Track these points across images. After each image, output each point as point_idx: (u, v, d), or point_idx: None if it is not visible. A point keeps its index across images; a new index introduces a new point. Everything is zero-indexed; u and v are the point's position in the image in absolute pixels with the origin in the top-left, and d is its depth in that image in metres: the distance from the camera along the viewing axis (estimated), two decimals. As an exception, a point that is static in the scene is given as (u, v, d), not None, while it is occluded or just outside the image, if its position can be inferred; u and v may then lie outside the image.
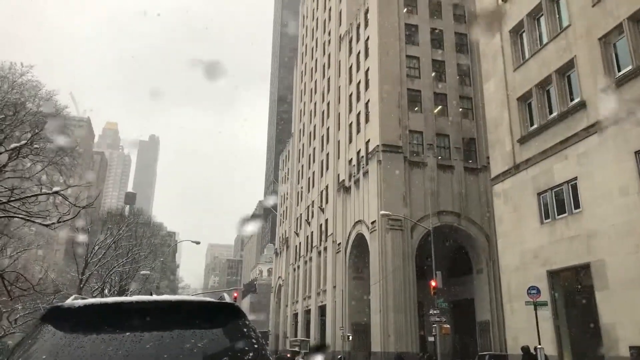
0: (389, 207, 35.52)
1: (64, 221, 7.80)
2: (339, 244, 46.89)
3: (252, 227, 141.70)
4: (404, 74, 42.01)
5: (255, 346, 3.42)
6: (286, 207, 75.58)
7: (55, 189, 6.70)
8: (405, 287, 35.81)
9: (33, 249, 36.21)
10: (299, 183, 68.26)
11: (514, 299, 22.35)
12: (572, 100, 20.87)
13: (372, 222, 38.68)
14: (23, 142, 7.65)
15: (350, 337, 40.22)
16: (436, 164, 39.98)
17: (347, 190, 46.59)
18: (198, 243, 42.58)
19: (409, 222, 36.61)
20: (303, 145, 68.22)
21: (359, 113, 46.45)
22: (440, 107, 42.67)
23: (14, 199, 6.48)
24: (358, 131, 46.18)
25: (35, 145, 7.97)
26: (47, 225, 7.87)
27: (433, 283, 26.24)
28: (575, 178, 19.89)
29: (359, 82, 47.12)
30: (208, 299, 3.94)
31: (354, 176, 45.00)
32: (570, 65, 20.92)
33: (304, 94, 70.96)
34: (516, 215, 23.36)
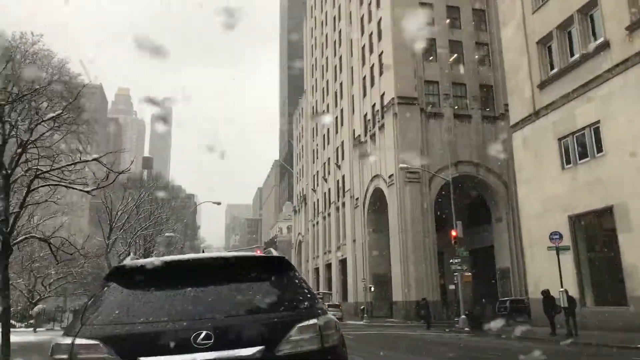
0: (406, 160, 35.40)
1: (103, 187, 7.97)
2: (357, 199, 47.17)
3: (270, 186, 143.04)
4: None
5: (309, 296, 3.56)
6: (302, 165, 75.79)
7: (94, 156, 6.84)
8: (425, 238, 36.16)
9: (59, 215, 37.09)
10: (314, 140, 68.10)
11: (534, 245, 22.44)
12: (594, 41, 20.16)
13: (390, 176, 38.69)
14: (58, 111, 7.72)
15: (372, 288, 41.09)
16: (453, 114, 39.42)
17: (363, 145, 46.39)
18: (219, 204, 43.17)
19: (427, 174, 36.53)
20: (316, 101, 67.59)
21: (372, 66, 45.61)
22: (455, 55, 41.64)
23: (54, 167, 6.64)
24: (372, 84, 45.49)
25: (67, 115, 8.06)
26: (87, 192, 8.08)
27: (453, 233, 26.41)
28: (598, 121, 19.48)
29: (372, 33, 46.00)
30: (257, 254, 4.08)
31: (370, 131, 44.69)
32: (593, 3, 20.09)
33: (315, 48, 69.67)
34: (537, 162, 23.11)
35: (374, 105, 44.88)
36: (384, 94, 42.07)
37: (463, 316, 24.96)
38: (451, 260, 27.49)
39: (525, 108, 24.00)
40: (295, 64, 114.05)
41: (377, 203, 42.71)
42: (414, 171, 36.09)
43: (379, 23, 43.98)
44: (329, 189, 58.54)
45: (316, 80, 68.03)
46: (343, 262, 52.47)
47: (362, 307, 40.25)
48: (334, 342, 3.36)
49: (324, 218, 60.26)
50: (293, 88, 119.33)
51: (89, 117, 23.78)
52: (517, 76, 24.90)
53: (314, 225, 65.59)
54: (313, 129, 68.68)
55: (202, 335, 3.01)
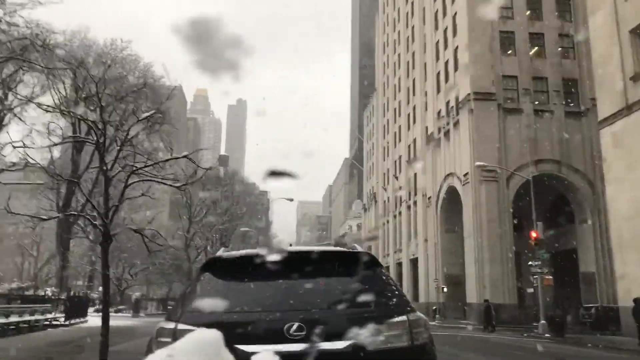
0: (483, 157, 34.23)
1: (193, 182, 8.45)
2: (429, 197, 46.28)
3: (340, 184, 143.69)
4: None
5: (396, 292, 3.58)
6: (372, 163, 75.44)
7: (184, 153, 7.30)
8: (502, 238, 34.81)
9: (143, 210, 39.39)
10: (384, 138, 67.58)
11: (626, 249, 20.93)
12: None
13: (465, 174, 37.60)
14: (152, 111, 8.29)
15: (445, 289, 40.19)
16: (533, 109, 37.58)
17: (436, 142, 45.42)
18: (291, 200, 44.11)
19: (505, 172, 35.13)
20: (388, 99, 66.98)
21: (446, 61, 44.49)
22: (536, 48, 39.65)
23: (148, 164, 7.17)
24: (447, 80, 44.39)
25: (159, 115, 8.62)
26: (178, 187, 8.63)
27: (533, 234, 25.24)
28: (701, 116, 17.82)
29: (446, 28, 44.87)
30: (344, 249, 4.16)
31: (444, 128, 43.65)
32: (695, -13, 18.40)
33: (387, 45, 69.05)
34: (629, 159, 21.52)
35: (448, 102, 43.79)
36: (459, 89, 40.91)
37: (543, 321, 23.80)
38: (530, 263, 26.27)
39: (615, 102, 22.42)
40: (366, 61, 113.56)
41: (451, 202, 41.66)
42: (491, 169, 34.82)
43: (454, 18, 42.79)
44: (400, 187, 57.84)
45: (388, 77, 67.41)
46: (414, 262, 51.71)
47: (435, 307, 39.49)
48: (424, 340, 3.34)
49: (395, 217, 59.66)
50: (364, 85, 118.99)
51: (171, 117, 25.11)
52: (607, 68, 23.30)
53: (384, 223, 65.13)
54: (384, 126, 68.15)
55: (294, 327, 3.10)
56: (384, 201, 65.53)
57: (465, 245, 37.43)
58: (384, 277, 3.77)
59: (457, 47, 41.83)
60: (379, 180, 69.39)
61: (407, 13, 58.19)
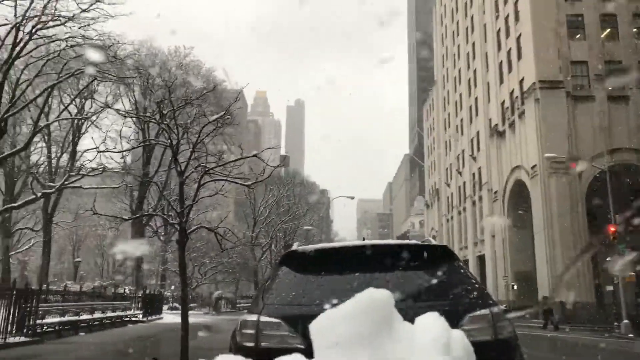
0: (551, 149, 32.68)
1: (261, 180, 8.70)
2: (495, 192, 44.80)
3: (400, 181, 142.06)
4: (562, -2, 37.38)
5: (476, 286, 3.51)
6: (434, 158, 73.99)
7: (254, 152, 7.56)
8: (575, 233, 33.09)
9: (210, 211, 40.73)
10: (446, 132, 66.11)
11: None
12: None
13: (533, 167, 36.06)
14: (221, 113, 8.62)
15: (514, 287, 38.77)
16: (606, 96, 35.41)
17: (501, 135, 43.88)
18: (352, 198, 44.12)
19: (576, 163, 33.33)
20: (448, 91, 65.47)
21: (509, 50, 42.84)
22: (608, 30, 37.33)
23: (219, 164, 7.50)
24: (510, 70, 42.75)
25: (227, 117, 8.95)
26: (247, 186, 8.93)
27: (612, 228, 23.78)
28: None
29: (507, 15, 43.21)
30: (419, 242, 4.12)
31: (508, 119, 42.08)
32: None
33: (445, 37, 67.47)
34: None
35: (512, 92, 42.15)
36: (523, 79, 39.29)
37: (626, 321, 22.39)
38: (609, 259, 24.79)
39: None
40: (424, 54, 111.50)
41: (519, 196, 40.09)
42: (561, 161, 33.18)
43: (515, 4, 41.11)
44: (464, 182, 56.39)
45: (447, 69, 65.87)
46: (481, 259, 50.23)
47: (504, 305, 38.18)
48: (508, 334, 3.25)
49: (459, 213, 58.21)
50: (423, 79, 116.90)
51: (234, 120, 25.84)
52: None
53: (448, 220, 63.72)
54: (445, 119, 66.66)
55: None
56: (448, 197, 64.11)
57: (535, 240, 35.91)
58: (463, 271, 3.69)
59: (520, 35, 40.17)
60: (441, 175, 67.98)
61: (466, 3, 56.57)
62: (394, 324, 1.27)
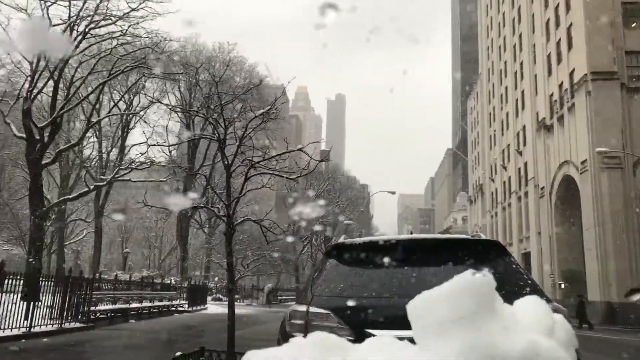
0: (603, 143, 31.35)
1: (306, 174, 8.79)
2: (542, 188, 43.41)
3: (443, 176, 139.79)
4: (616, -15, 35.68)
5: (529, 282, 3.44)
6: (478, 153, 72.38)
7: (299, 146, 7.65)
8: (629, 231, 31.68)
9: (252, 205, 41.40)
10: (490, 126, 64.49)
11: None
12: None
13: (583, 162, 34.71)
14: (268, 107, 8.77)
15: (562, 285, 37.54)
16: (665, 87, 33.65)
17: (549, 128, 42.44)
18: (393, 193, 43.78)
19: (631, 158, 31.92)
20: (493, 84, 63.79)
21: (558, 41, 41.29)
22: (667, 18, 35.38)
23: (265, 158, 7.64)
24: (559, 61, 41.21)
25: (273, 111, 9.09)
26: (293, 179, 9.06)
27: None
28: None
29: (557, 5, 41.62)
30: (469, 236, 4.07)
31: (557, 112, 40.62)
32: None
33: (491, 29, 65.68)
34: None
35: (561, 84, 40.65)
36: (573, 70, 37.80)
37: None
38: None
39: None
40: (468, 47, 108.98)
41: (567, 192, 38.71)
42: (614, 155, 31.80)
43: (566, -8, 39.56)
44: (509, 178, 54.92)
45: (492, 62, 64.18)
46: (526, 256, 48.84)
47: (551, 305, 37.08)
48: None
49: (504, 209, 56.77)
50: (467, 71, 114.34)
51: (279, 114, 26.06)
52: None
53: (492, 216, 62.26)
54: (490, 113, 65.02)
55: None
56: (492, 192, 62.63)
57: (584, 238, 34.61)
58: (515, 266, 3.62)
59: (570, 24, 38.63)
60: (485, 170, 66.45)
61: (513, -8, 54.86)
62: (495, 305, 1.25)
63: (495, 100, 61.92)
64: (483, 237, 4.16)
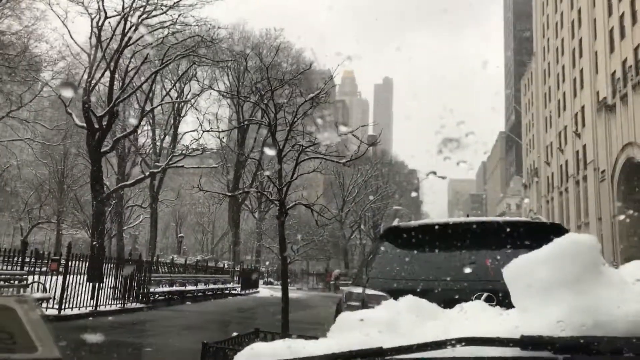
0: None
1: (356, 158, 8.75)
2: (603, 171, 41.30)
3: (495, 160, 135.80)
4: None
5: None
6: (532, 135, 69.67)
7: (348, 130, 7.61)
8: (700, 217, 29.72)
9: (300, 190, 41.68)
10: (546, 107, 61.85)
11: None
12: None
13: (648, 143, 32.74)
14: (317, 92, 8.78)
15: (624, 274, 35.80)
16: None
17: (610, 109, 40.19)
18: (444, 178, 42.60)
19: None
20: (549, 64, 60.97)
21: (622, 14, 38.84)
22: None
23: (315, 143, 7.66)
24: (622, 37, 38.82)
25: (323, 95, 9.09)
26: (343, 163, 9.06)
27: None
28: None
29: (621, -24, 39.10)
30: (529, 219, 3.91)
31: (620, 91, 38.37)
32: None
33: (547, 4, 62.60)
34: None
35: (624, 61, 38.32)
36: (638, 46, 35.55)
37: None
38: None
39: None
40: (522, 25, 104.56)
41: (630, 175, 36.67)
42: (684, 136, 29.79)
43: (631, -38, 37.06)
44: (566, 161, 52.60)
45: (548, 39, 61.25)
46: (585, 242, 46.85)
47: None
48: None
49: (560, 194, 54.53)
50: (520, 50, 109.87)
51: (328, 99, 26.03)
52: None
53: (547, 201, 59.99)
54: (545, 94, 62.31)
55: (483, 297, 3.00)
56: (547, 177, 60.27)
57: (650, 224, 32.78)
58: None
59: (636, -4, 36.24)
60: (540, 154, 63.95)
61: (571, -35, 51.97)
62: (600, 268, 1.17)
63: (551, 80, 59.22)
64: (544, 220, 4.00)
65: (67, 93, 20.95)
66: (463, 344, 0.97)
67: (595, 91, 44.19)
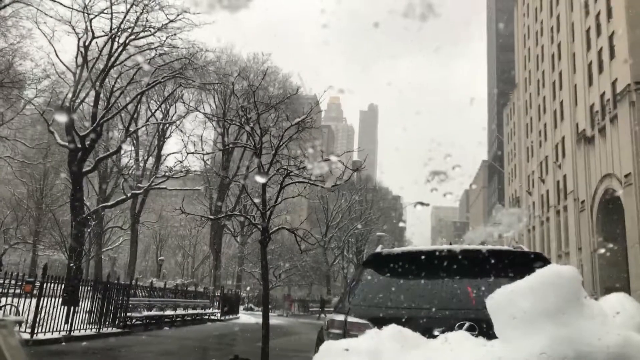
0: (649, 155, 30.13)
1: (340, 184, 8.73)
2: (582, 201, 41.95)
3: (478, 188, 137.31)
4: (662, -8, 34.48)
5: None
6: (515, 165, 70.78)
7: (333, 156, 7.63)
8: (677, 248, 30.20)
9: (284, 214, 41.49)
10: (528, 137, 63.04)
11: None
12: None
13: (627, 176, 33.39)
14: (303, 116, 8.81)
15: (604, 304, 36.05)
16: None
17: (589, 140, 41.09)
18: (427, 205, 42.92)
19: (679, 171, 30.51)
20: (530, 95, 62.43)
21: (600, 50, 40.10)
22: None
23: (300, 167, 7.63)
24: (600, 71, 39.99)
25: (308, 120, 9.13)
26: (328, 189, 9.03)
27: None
28: None
29: (599, 12, 40.50)
30: (511, 248, 3.90)
31: (598, 124, 39.32)
32: None
33: (527, 38, 64.47)
34: None
35: (602, 94, 39.39)
36: (616, 80, 36.59)
37: None
38: None
39: None
40: (505, 55, 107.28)
41: (609, 206, 37.29)
42: (660, 168, 30.47)
43: (608, 0, 38.47)
44: (547, 191, 53.40)
45: (530, 71, 62.87)
46: (565, 272, 47.27)
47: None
48: None
49: (542, 223, 55.17)
50: (503, 81, 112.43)
51: (314, 124, 26.14)
52: None
53: (529, 230, 60.60)
54: (527, 124, 63.59)
55: (465, 326, 2.96)
56: (529, 206, 61.00)
57: (629, 255, 33.18)
58: None
59: (612, 33, 37.49)
60: (522, 183, 64.88)
61: (551, 1, 53.75)
62: (581, 300, 1.14)
63: (533, 111, 60.54)
64: (525, 249, 4.00)
65: (60, 118, 20.63)
66: None
67: (575, 123, 45.23)
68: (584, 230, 41.52)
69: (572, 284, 1.16)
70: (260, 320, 10.25)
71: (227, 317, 25.99)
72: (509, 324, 1.16)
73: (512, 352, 1.07)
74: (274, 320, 28.71)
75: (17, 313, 11.64)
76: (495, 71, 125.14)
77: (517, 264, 3.52)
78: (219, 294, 27.60)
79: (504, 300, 1.21)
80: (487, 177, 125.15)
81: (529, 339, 1.09)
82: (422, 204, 47.75)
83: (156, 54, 25.47)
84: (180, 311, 20.54)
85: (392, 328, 1.40)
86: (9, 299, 11.82)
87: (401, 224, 71.29)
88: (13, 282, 12.30)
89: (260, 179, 7.82)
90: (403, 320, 3.18)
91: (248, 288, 46.88)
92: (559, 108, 50.37)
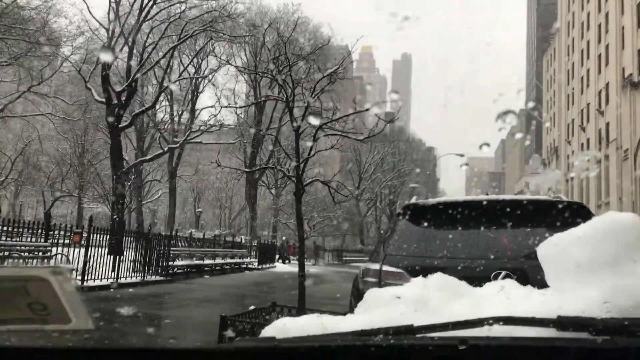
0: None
1: (374, 134, 8.67)
2: (626, 150, 40.44)
3: (515, 137, 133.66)
4: None
5: None
6: (554, 113, 68.35)
7: (367, 106, 7.55)
8: None
9: (317, 167, 41.62)
10: (569, 84, 60.40)
11: None
12: None
13: (675, 121, 31.87)
14: (336, 67, 8.70)
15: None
16: None
17: (636, 86, 39.09)
18: (462, 155, 42.36)
19: None
20: (573, 39, 59.29)
21: (652, -13, 37.40)
22: None
23: (333, 119, 7.59)
24: (652, 10, 37.46)
25: (341, 71, 8.97)
26: (361, 140, 9.03)
27: None
28: None
29: (653, -54, 37.52)
30: (551, 198, 3.84)
31: (647, 67, 37.25)
32: None
33: (573, -23, 60.58)
34: None
35: (653, 36, 37.07)
36: (669, 20, 34.29)
37: None
38: None
39: None
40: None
41: (655, 154, 35.84)
42: None
43: None
44: (588, 140, 51.59)
45: (573, 13, 59.44)
46: (605, 222, 46.24)
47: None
48: None
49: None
50: (543, 25, 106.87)
51: (346, 75, 25.74)
52: None
53: (567, 180, 59.10)
54: (568, 70, 60.78)
55: (501, 275, 2.96)
56: (568, 155, 59.26)
57: (673, 204, 32.15)
58: None
59: (668, -31, 34.81)
60: (561, 132, 62.78)
61: None
62: None
63: (575, 56, 57.68)
64: (564, 199, 3.92)
65: (106, 57, 20.65)
66: (501, 323, 0.94)
67: (621, 67, 42.96)
68: (626, 179, 40.23)
69: (633, 231, 1.13)
70: (295, 270, 10.58)
71: (263, 266, 26.80)
72: (563, 273, 1.16)
73: (570, 301, 1.07)
74: (309, 269, 29.48)
75: (68, 261, 12.34)
76: (536, 14, 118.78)
77: (556, 213, 3.46)
78: (255, 244, 28.37)
79: (557, 248, 1.20)
80: (524, 127, 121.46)
81: (587, 289, 1.08)
82: (459, 155, 47.01)
83: (186, 7, 25.27)
84: (219, 260, 21.26)
85: (439, 276, 1.42)
86: (60, 249, 12.50)
87: (433, 174, 70.60)
88: (62, 232, 13.00)
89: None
90: (437, 269, 3.22)
91: (284, 238, 48.01)
92: (604, 52, 47.82)
